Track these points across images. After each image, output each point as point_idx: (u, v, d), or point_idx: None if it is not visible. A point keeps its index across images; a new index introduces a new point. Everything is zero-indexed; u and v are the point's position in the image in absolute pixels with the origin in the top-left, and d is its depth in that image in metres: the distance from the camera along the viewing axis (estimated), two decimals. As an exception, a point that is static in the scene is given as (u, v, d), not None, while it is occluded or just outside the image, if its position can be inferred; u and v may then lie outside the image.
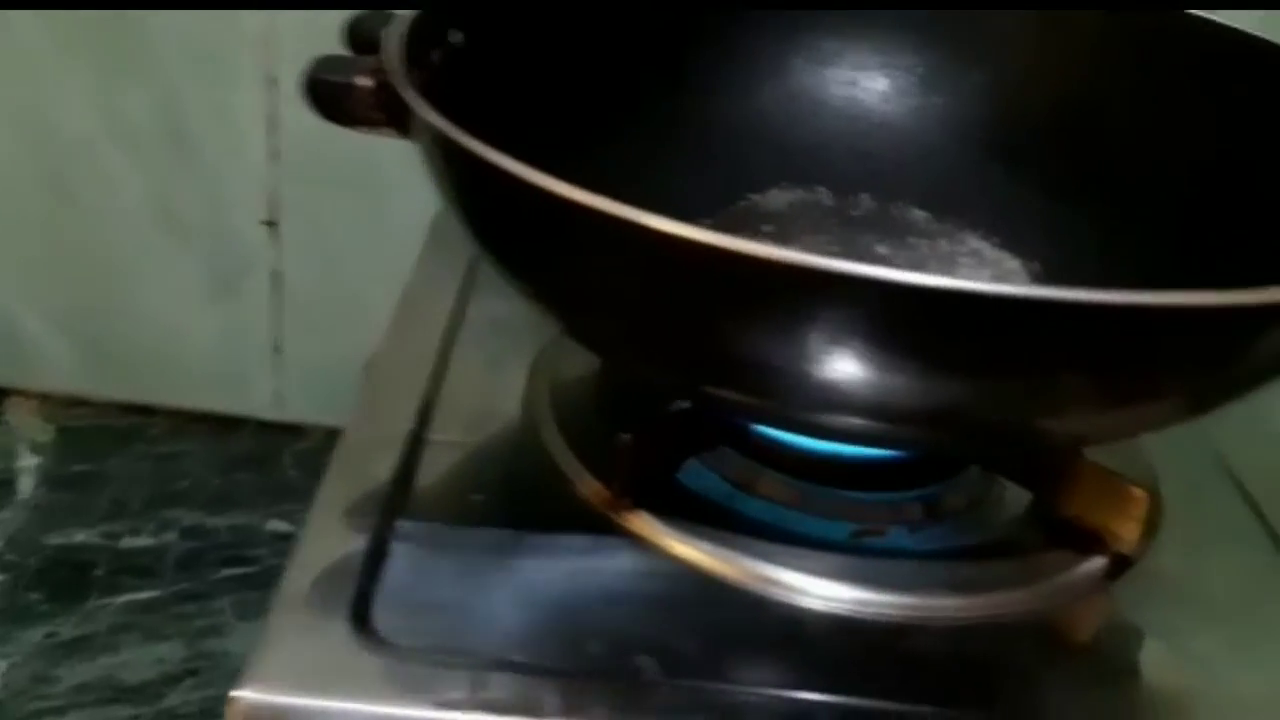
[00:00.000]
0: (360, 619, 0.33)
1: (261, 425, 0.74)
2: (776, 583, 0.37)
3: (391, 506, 0.38)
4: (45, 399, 0.74)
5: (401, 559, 0.36)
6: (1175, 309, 0.28)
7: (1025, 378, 0.31)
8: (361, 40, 0.44)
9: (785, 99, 0.54)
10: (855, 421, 0.33)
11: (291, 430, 0.74)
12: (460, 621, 0.34)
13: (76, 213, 0.69)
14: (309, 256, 0.69)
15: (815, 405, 0.32)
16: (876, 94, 0.54)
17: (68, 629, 0.58)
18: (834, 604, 0.37)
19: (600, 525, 0.39)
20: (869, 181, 0.53)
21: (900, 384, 0.30)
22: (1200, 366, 0.32)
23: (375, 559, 0.36)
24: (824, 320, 0.29)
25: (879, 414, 0.32)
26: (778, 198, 0.53)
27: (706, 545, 0.38)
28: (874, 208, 0.53)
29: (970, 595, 0.37)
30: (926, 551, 0.39)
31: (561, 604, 0.36)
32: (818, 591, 0.37)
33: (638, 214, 0.29)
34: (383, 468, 0.40)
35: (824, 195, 0.53)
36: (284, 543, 0.64)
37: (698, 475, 0.41)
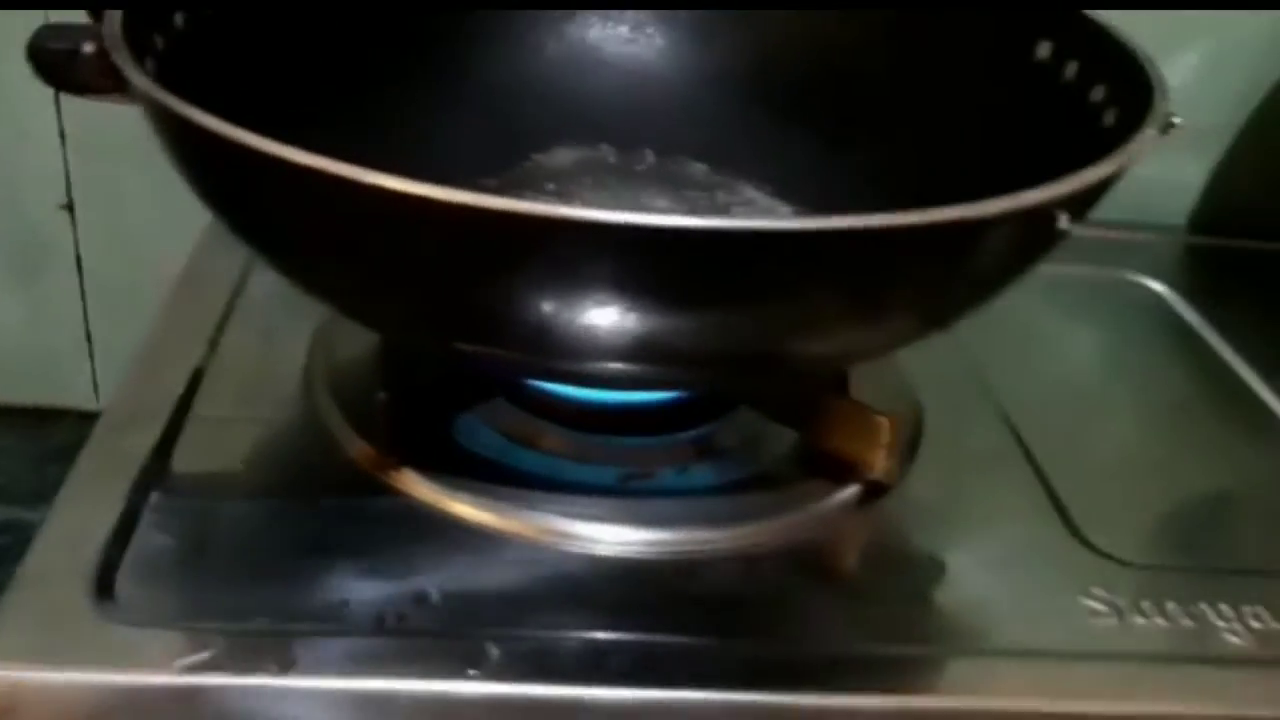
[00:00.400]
0: (103, 589, 0.33)
1: (83, 417, 0.72)
2: (549, 530, 0.38)
3: (146, 480, 0.38)
4: None
5: (152, 530, 0.36)
6: (890, 229, 0.29)
7: (764, 306, 0.32)
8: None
9: (566, 57, 0.54)
10: (615, 366, 0.33)
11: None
12: (207, 589, 0.34)
13: None
14: (109, 239, 0.68)
15: (569, 354, 0.33)
16: (655, 49, 0.55)
17: None
18: (604, 546, 0.38)
19: (369, 485, 0.39)
20: (651, 137, 0.54)
21: (648, 325, 0.31)
22: (925, 280, 0.34)
23: (124, 531, 0.36)
24: (562, 268, 0.30)
25: (632, 356, 0.33)
26: (562, 156, 0.54)
27: (478, 499, 0.38)
28: (655, 163, 0.54)
29: (731, 527, 0.39)
30: (691, 489, 0.41)
31: (319, 564, 0.36)
32: (588, 535, 0.38)
33: (352, 170, 0.29)
34: (142, 442, 0.40)
35: (608, 152, 0.54)
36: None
37: (472, 431, 0.42)
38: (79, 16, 0.39)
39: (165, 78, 0.37)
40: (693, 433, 0.43)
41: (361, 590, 0.35)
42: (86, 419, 0.72)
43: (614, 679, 0.33)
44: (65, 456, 0.69)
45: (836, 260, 0.31)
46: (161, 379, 0.44)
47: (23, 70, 0.63)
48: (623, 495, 0.40)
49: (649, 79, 0.55)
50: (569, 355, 0.34)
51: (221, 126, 0.31)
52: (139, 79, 0.33)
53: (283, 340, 0.47)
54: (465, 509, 0.39)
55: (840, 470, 0.41)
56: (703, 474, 0.42)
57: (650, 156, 0.54)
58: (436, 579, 0.36)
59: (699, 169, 0.53)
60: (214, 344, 0.46)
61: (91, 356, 0.72)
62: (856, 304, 0.34)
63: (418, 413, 0.40)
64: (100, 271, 0.69)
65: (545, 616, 0.35)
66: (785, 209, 0.51)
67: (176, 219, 0.66)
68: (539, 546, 0.38)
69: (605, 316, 0.31)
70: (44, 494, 0.66)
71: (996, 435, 0.46)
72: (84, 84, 0.38)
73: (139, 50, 0.37)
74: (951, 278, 0.35)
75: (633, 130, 0.54)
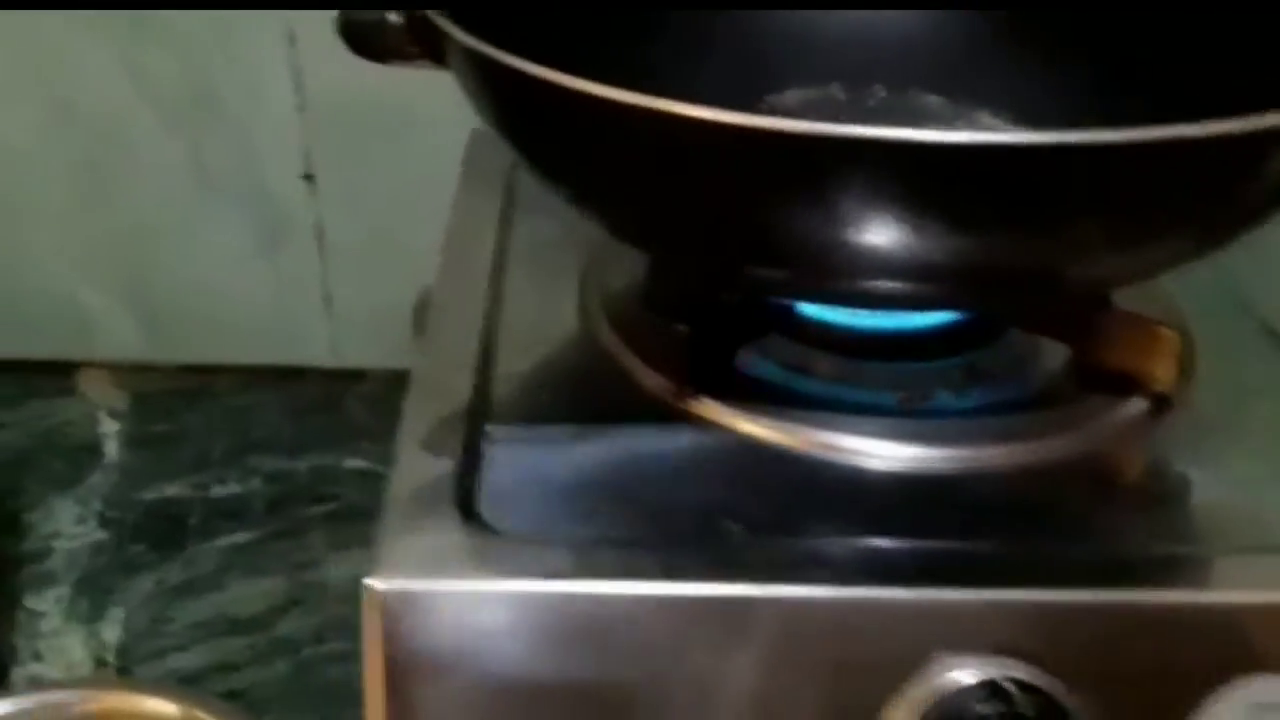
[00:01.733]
0: (467, 511, 0.36)
1: (323, 374, 0.77)
2: (837, 448, 0.40)
3: (475, 415, 0.41)
4: (115, 368, 0.77)
5: (493, 457, 0.39)
6: (1176, 141, 0.30)
7: (1044, 223, 0.33)
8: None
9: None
10: (891, 285, 0.35)
11: (351, 375, 0.77)
12: (556, 507, 0.37)
13: (117, 186, 0.72)
14: (348, 206, 0.72)
15: (851, 272, 0.35)
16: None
17: (174, 574, 0.62)
18: (892, 462, 0.39)
19: (667, 414, 0.42)
20: (881, 72, 0.55)
21: (927, 242, 0.33)
22: (1208, 197, 0.34)
23: (471, 459, 0.39)
24: (848, 186, 0.32)
25: (912, 275, 0.35)
26: (794, 96, 0.55)
27: (768, 421, 0.41)
28: (886, 97, 0.55)
29: (1017, 443, 0.40)
30: (972, 409, 0.42)
31: (645, 484, 0.38)
32: (876, 451, 0.40)
33: (667, 103, 0.32)
34: (460, 384, 0.43)
35: (838, 91, 0.55)
36: (363, 479, 0.68)
37: (753, 363, 0.44)
38: None
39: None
40: (964, 357, 0.44)
41: (687, 509, 0.38)
42: (327, 376, 0.78)
43: (903, 580, 0.35)
44: (315, 409, 0.75)
45: (1133, 173, 0.32)
46: (457, 331, 0.46)
47: (266, 50, 0.68)
48: (904, 416, 0.42)
49: (875, 11, 0.56)
50: (852, 274, 0.36)
51: (551, 74, 0.34)
52: (467, 39, 0.36)
53: (556, 281, 0.49)
54: (758, 429, 0.41)
55: (1120, 384, 0.42)
56: (979, 395, 0.43)
57: (881, 92, 0.55)
58: (747, 497, 0.38)
59: (933, 101, 0.54)
60: (494, 294, 0.49)
61: (331, 318, 0.77)
62: (1146, 221, 0.35)
63: (706, 346, 0.43)
64: (339, 238, 0.74)
65: (839, 525, 0.37)
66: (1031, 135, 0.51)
67: (412, 182, 0.70)
68: (830, 461, 0.40)
69: (890, 235, 0.32)
70: (302, 444, 0.72)
71: (1267, 350, 0.46)
72: (391, 51, 0.41)
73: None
74: (1247, 189, 0.35)
75: (863, 66, 0.55)
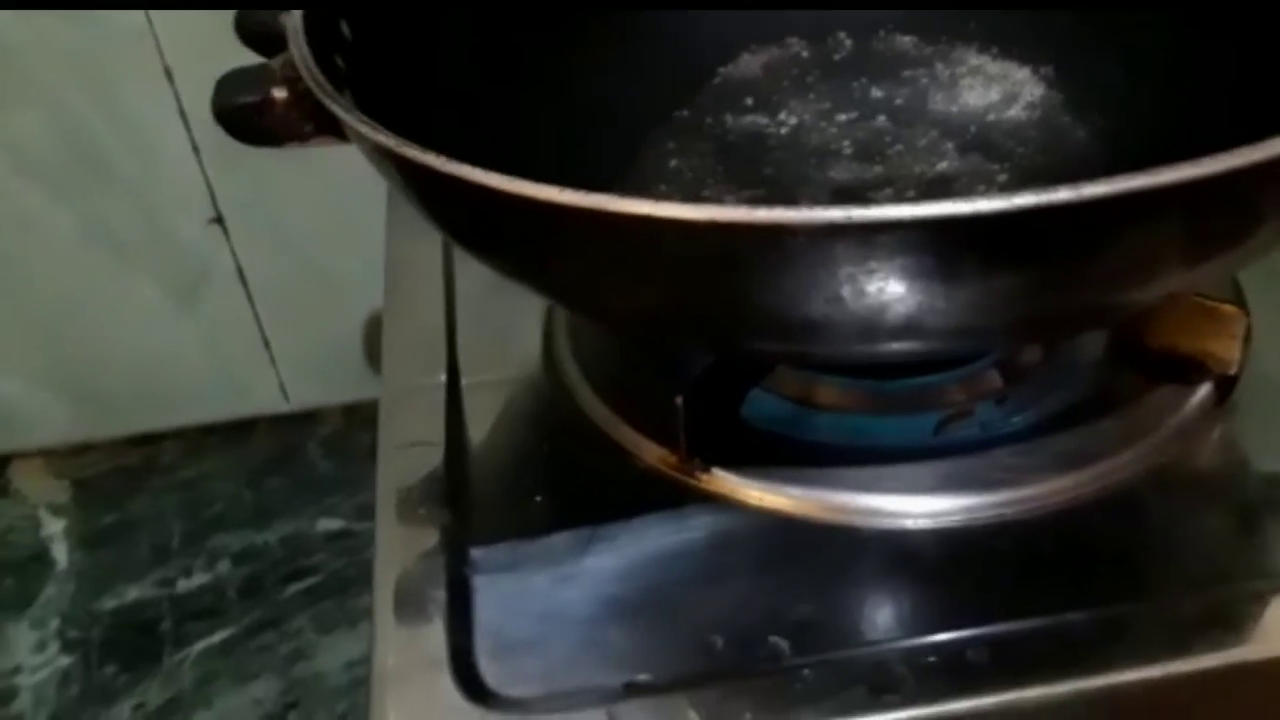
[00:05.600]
0: (467, 677, 0.31)
1: (274, 422, 0.71)
2: (876, 512, 0.34)
3: (456, 533, 0.35)
4: (50, 455, 0.70)
5: (486, 594, 0.33)
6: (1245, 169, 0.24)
7: (1096, 272, 0.27)
8: (254, 33, 0.39)
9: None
10: (923, 347, 0.29)
11: (307, 418, 0.71)
12: (569, 651, 0.32)
13: (17, 266, 0.64)
14: (265, 243, 0.65)
15: (873, 343, 0.29)
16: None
17: (154, 695, 0.56)
18: (941, 519, 0.34)
19: (673, 493, 0.36)
20: (842, 18, 0.48)
21: (966, 307, 0.27)
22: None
23: (461, 601, 0.33)
24: (863, 267, 0.26)
25: (945, 337, 0.29)
26: (750, 63, 0.48)
27: (793, 490, 0.35)
28: (854, 46, 0.48)
29: (1083, 468, 0.35)
30: (1021, 430, 0.36)
31: (666, 600, 0.33)
32: (921, 509, 0.34)
33: (611, 201, 0.25)
34: (430, 489, 0.37)
35: (798, 46, 0.48)
36: (338, 542, 0.62)
37: (758, 403, 0.38)
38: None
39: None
40: (994, 356, 0.39)
41: (722, 624, 0.32)
42: (279, 423, 0.72)
43: (981, 681, 0.29)
44: (273, 466, 0.69)
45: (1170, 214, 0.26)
46: (418, 413, 0.40)
47: (143, 92, 0.60)
48: (944, 453, 0.36)
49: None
50: (857, 345, 0.30)
51: (461, 169, 0.27)
52: (371, 132, 0.29)
53: (513, 312, 0.43)
54: (784, 501, 0.35)
55: (1179, 370, 0.37)
56: (1024, 402, 0.37)
57: (846, 40, 0.48)
58: (786, 593, 0.33)
59: (906, 42, 0.47)
60: (452, 358, 0.43)
61: (274, 362, 0.70)
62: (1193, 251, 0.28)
63: (706, 405, 0.37)
64: (262, 278, 0.67)
65: (898, 616, 0.32)
66: (1021, 71, 0.45)
67: (326, 212, 0.63)
68: (870, 530, 0.34)
69: (899, 307, 0.27)
70: (268, 510, 0.66)
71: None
72: (283, 134, 0.34)
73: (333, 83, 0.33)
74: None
75: (819, 14, 0.48)
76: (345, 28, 0.37)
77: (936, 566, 0.33)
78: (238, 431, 0.71)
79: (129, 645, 0.59)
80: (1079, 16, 0.44)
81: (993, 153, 0.43)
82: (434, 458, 0.39)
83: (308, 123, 0.34)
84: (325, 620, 0.58)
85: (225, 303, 0.67)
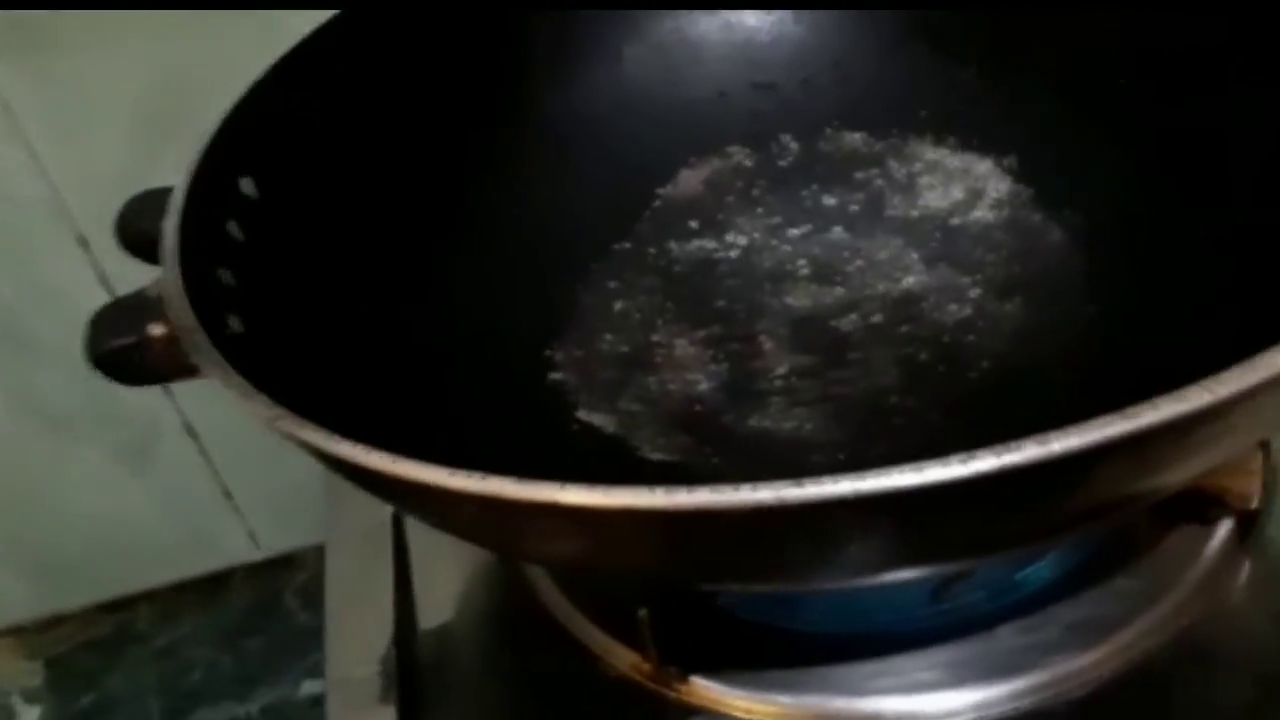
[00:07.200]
0: None
1: (249, 571, 0.67)
2: (878, 717, 0.31)
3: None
4: (20, 633, 0.67)
5: None
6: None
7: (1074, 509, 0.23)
8: (139, 236, 0.36)
9: (649, 65, 0.45)
10: (905, 578, 0.26)
11: (282, 563, 0.67)
12: None
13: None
14: (209, 394, 0.61)
15: (838, 584, 0.25)
16: (754, 15, 0.45)
17: None
18: (956, 717, 0.30)
19: (654, 705, 0.33)
20: (783, 119, 0.44)
21: (935, 554, 0.23)
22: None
23: None
24: (805, 539, 0.22)
25: (925, 570, 0.25)
26: (690, 180, 0.44)
27: (783, 698, 0.32)
28: (800, 149, 0.44)
29: (1101, 641, 0.31)
30: (1028, 596, 0.33)
31: None
32: (926, 710, 0.31)
33: (508, 486, 0.21)
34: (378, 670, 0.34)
35: (739, 155, 0.45)
36: (323, 707, 0.58)
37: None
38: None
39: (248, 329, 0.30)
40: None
41: None
42: (254, 573, 0.68)
43: None
44: (251, 624, 0.65)
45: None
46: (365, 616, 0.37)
47: (60, 263, 0.57)
48: (947, 635, 0.32)
49: (756, 49, 0.45)
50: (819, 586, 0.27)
51: (340, 448, 0.24)
52: (242, 400, 0.26)
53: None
54: (775, 709, 0.32)
55: (1195, 508, 0.33)
56: (1027, 557, 0.34)
57: (791, 143, 0.44)
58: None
59: (855, 139, 0.44)
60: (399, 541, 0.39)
61: (238, 510, 0.66)
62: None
63: (677, 605, 0.33)
64: (213, 427, 0.63)
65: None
66: (983, 164, 0.41)
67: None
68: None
69: (856, 564, 0.23)
70: (248, 677, 0.63)
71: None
72: (164, 373, 0.31)
73: (213, 313, 0.29)
74: None
75: (758, 118, 0.45)
76: (248, 185, 0.34)
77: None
78: (211, 585, 0.67)
79: None
80: (1038, 92, 0.40)
81: (961, 263, 0.39)
82: (383, 666, 0.36)
83: (189, 361, 0.30)
84: (317, 803, 0.54)
85: (179, 459, 0.64)
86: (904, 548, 0.22)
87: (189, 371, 0.31)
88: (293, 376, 0.30)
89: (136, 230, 0.36)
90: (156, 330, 0.30)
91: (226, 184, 0.35)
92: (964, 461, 0.19)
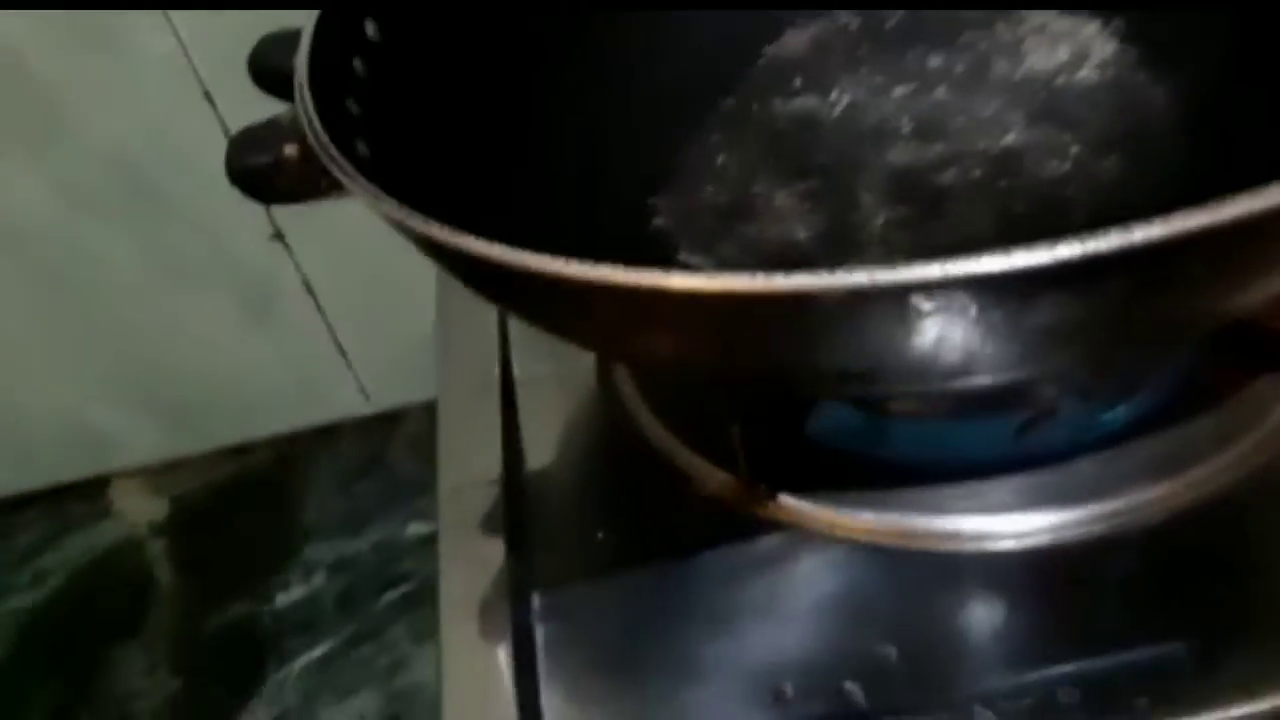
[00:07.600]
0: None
1: (359, 425, 0.71)
2: (956, 534, 0.32)
3: (519, 576, 0.34)
4: (146, 474, 0.72)
5: (551, 646, 0.33)
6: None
7: (1171, 302, 0.24)
8: (269, 73, 0.38)
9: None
10: (996, 380, 0.27)
11: (390, 419, 0.71)
12: (637, 708, 0.31)
13: (90, 297, 0.65)
14: (326, 253, 0.64)
15: (933, 384, 0.27)
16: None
17: (260, 713, 0.57)
18: (1025, 539, 0.32)
19: (742, 522, 0.35)
20: (893, -18, 0.45)
21: (1033, 346, 0.25)
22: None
23: (526, 655, 0.32)
24: (901, 326, 0.23)
25: (1017, 372, 0.26)
26: (796, 39, 0.45)
27: (866, 515, 0.33)
28: (906, 12, 0.45)
29: (1176, 475, 0.32)
30: (1108, 434, 0.34)
31: (734, 646, 0.32)
32: (1003, 529, 0.32)
33: (617, 272, 0.23)
34: (491, 525, 0.36)
35: (846, 17, 0.45)
36: (429, 547, 0.62)
37: (825, 415, 0.36)
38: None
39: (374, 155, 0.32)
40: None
41: (793, 667, 0.31)
42: (364, 426, 0.72)
43: None
44: (360, 471, 0.69)
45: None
46: (473, 439, 0.40)
47: (186, 118, 0.60)
48: (1027, 464, 0.33)
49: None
50: (915, 387, 0.28)
51: (463, 241, 0.26)
52: (375, 201, 0.28)
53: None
54: (857, 524, 0.33)
55: (1274, 354, 0.33)
56: (1112, 395, 0.35)
57: (898, 9, 0.45)
58: (864, 631, 0.31)
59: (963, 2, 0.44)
60: (506, 380, 0.42)
61: (350, 366, 0.70)
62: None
63: (767, 425, 0.35)
64: (329, 286, 0.66)
65: (984, 654, 0.30)
66: (1090, 25, 0.41)
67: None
68: (953, 555, 0.32)
69: (951, 356, 0.24)
70: (359, 518, 0.67)
71: None
72: (298, 193, 0.33)
73: (342, 139, 0.31)
74: None
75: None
76: (371, 28, 0.36)
77: (1021, 594, 0.31)
78: (325, 436, 0.71)
79: (232, 665, 0.60)
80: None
81: (1063, 121, 0.39)
82: (493, 490, 0.38)
83: (324, 177, 0.32)
84: (420, 629, 0.58)
85: (297, 314, 0.67)
86: (988, 346, 0.24)
87: (318, 192, 0.33)
88: (412, 201, 0.32)
89: (266, 66, 0.38)
90: (291, 150, 0.32)
91: (352, 25, 0.37)
92: (1049, 248, 0.20)
